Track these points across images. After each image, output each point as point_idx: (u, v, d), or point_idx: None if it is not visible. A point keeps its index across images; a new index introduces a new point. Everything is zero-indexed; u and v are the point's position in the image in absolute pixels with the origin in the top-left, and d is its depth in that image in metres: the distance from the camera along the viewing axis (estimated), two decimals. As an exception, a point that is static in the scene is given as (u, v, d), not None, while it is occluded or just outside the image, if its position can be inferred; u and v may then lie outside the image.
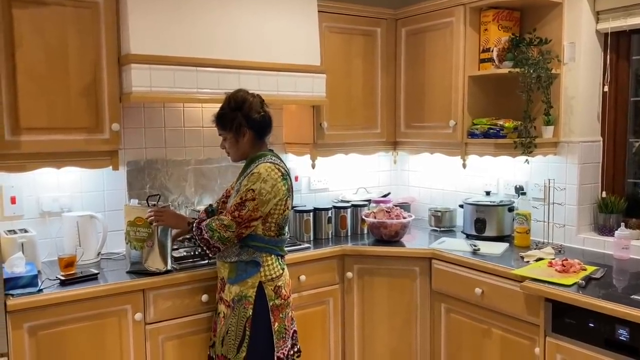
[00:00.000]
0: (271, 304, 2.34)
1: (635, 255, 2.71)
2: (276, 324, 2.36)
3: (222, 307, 2.42)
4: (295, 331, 2.51)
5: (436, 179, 3.74)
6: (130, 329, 2.46)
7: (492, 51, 3.03)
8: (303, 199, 3.61)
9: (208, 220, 2.35)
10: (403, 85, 3.48)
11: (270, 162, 2.34)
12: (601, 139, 3.03)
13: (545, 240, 3.00)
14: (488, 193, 3.28)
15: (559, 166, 3.04)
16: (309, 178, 3.64)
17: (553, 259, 2.67)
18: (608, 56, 2.91)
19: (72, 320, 2.33)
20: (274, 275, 2.36)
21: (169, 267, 2.56)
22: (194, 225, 2.37)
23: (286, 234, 2.47)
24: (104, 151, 2.64)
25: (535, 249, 2.90)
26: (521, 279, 2.46)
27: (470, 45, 3.09)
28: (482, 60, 3.10)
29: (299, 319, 2.68)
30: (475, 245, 2.93)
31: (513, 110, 3.11)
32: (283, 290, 2.39)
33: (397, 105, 3.52)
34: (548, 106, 2.91)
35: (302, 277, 2.91)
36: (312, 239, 3.24)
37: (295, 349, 2.49)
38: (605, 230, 2.93)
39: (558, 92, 2.98)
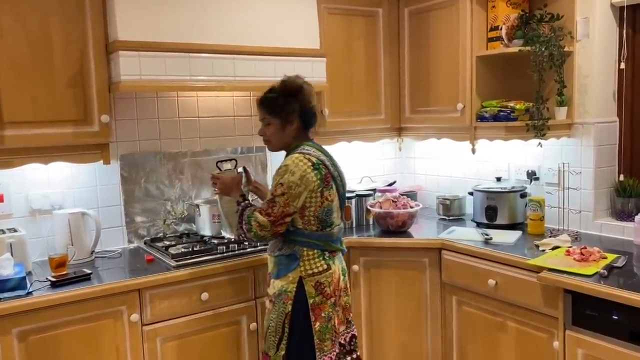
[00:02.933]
0: (311, 301, 2.20)
1: (657, 241, 2.57)
2: (317, 323, 2.20)
3: (267, 303, 2.33)
4: (353, 336, 2.36)
5: (443, 166, 3.59)
6: (126, 331, 2.34)
7: (501, 29, 2.87)
8: (305, 189, 3.47)
9: (250, 210, 2.22)
10: (407, 68, 3.32)
11: (300, 153, 2.21)
12: (617, 119, 2.87)
13: (560, 227, 2.86)
14: (499, 179, 3.13)
15: (573, 149, 2.89)
16: (311, 168, 3.49)
17: (570, 247, 2.53)
18: (624, 31, 2.74)
19: (64, 324, 2.21)
20: (315, 271, 2.21)
21: (232, 236, 2.51)
22: (239, 208, 2.26)
23: (334, 227, 2.28)
24: (94, 144, 2.50)
25: (550, 236, 2.76)
26: (538, 270, 2.32)
27: (477, 23, 2.93)
28: (490, 39, 2.94)
29: None
30: (486, 234, 2.79)
31: (523, 92, 2.96)
32: (327, 288, 2.22)
33: (401, 89, 3.37)
34: (561, 86, 2.76)
35: (306, 272, 2.78)
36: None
37: (354, 356, 2.34)
38: (624, 215, 2.79)
39: (571, 71, 2.82)
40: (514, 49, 2.79)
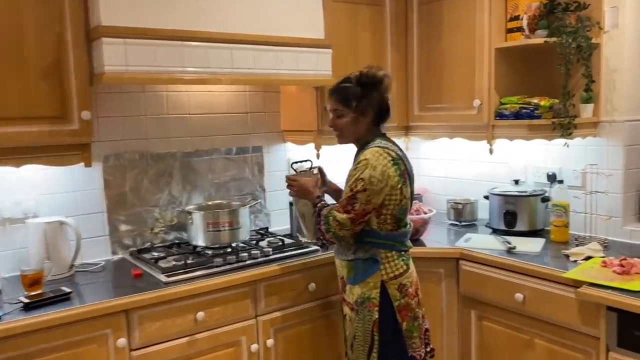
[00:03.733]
0: (397, 304, 2.10)
1: (696, 250, 2.36)
2: (404, 323, 2.11)
3: (346, 310, 2.23)
4: (427, 329, 2.24)
5: (452, 167, 3.35)
6: (112, 358, 2.04)
7: (522, 19, 2.63)
8: (305, 193, 3.20)
9: (328, 209, 2.13)
10: (416, 62, 3.07)
11: (378, 147, 2.08)
12: (646, 117, 2.66)
13: (586, 235, 2.63)
14: (517, 182, 2.90)
15: (598, 149, 2.67)
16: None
17: (603, 257, 2.31)
18: (656, 22, 2.54)
19: (40, 352, 1.90)
20: (396, 273, 2.10)
21: (310, 240, 2.44)
22: (316, 209, 2.17)
23: (407, 225, 2.18)
24: (74, 145, 2.20)
25: (576, 244, 2.54)
26: (574, 283, 2.09)
27: (495, 13, 2.70)
28: (510, 30, 2.71)
29: (306, 332, 2.42)
30: (509, 243, 2.56)
31: (543, 87, 2.75)
32: (410, 289, 2.13)
33: (409, 85, 3.12)
34: (589, 81, 2.54)
35: (312, 286, 2.51)
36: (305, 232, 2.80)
37: (428, 349, 2.24)
38: (654, 220, 2.58)
39: (598, 65, 2.60)
40: (538, 40, 2.56)
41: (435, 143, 3.32)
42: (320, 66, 2.62)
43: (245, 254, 2.45)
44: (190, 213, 2.55)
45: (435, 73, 2.97)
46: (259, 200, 2.79)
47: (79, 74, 2.15)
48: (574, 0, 2.58)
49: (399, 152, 2.12)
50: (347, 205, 2.05)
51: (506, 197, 2.80)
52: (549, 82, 2.75)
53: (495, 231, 2.86)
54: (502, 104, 2.73)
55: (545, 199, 2.79)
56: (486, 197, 2.94)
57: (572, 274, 2.13)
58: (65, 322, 1.93)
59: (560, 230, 2.63)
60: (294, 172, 2.42)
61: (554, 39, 2.49)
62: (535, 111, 2.58)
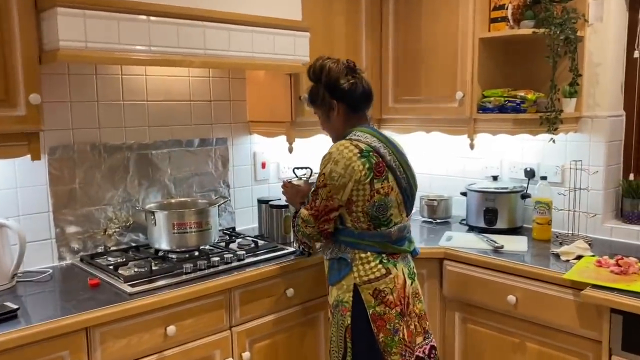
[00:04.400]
0: (371, 311, 1.92)
1: (680, 247, 2.35)
2: (380, 335, 1.91)
3: (329, 313, 2.08)
4: (433, 347, 2.04)
5: (422, 162, 3.22)
6: (69, 384, 1.74)
7: (507, 8, 2.53)
8: (272, 190, 2.98)
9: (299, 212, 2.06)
10: (391, 50, 2.91)
11: (346, 139, 1.95)
12: (624, 112, 2.64)
13: (568, 232, 2.58)
14: (495, 178, 2.81)
15: (579, 145, 2.62)
16: (277, 165, 3.00)
17: (593, 255, 2.25)
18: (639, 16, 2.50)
19: (-18, 383, 1.58)
20: (371, 277, 1.93)
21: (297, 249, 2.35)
22: (293, 214, 2.10)
23: (392, 226, 1.96)
24: (19, 134, 1.86)
25: (559, 242, 2.48)
26: (576, 285, 2.01)
27: (479, 1, 2.57)
28: (493, 20, 2.59)
29: (284, 341, 2.24)
30: (495, 242, 2.45)
31: (523, 80, 2.69)
32: (389, 296, 1.92)
33: (384, 75, 2.95)
34: (576, 74, 2.47)
35: (290, 291, 2.30)
36: (291, 240, 2.61)
37: None
38: (633, 217, 2.56)
39: (582, 59, 2.54)
40: (526, 31, 2.47)
41: (406, 137, 3.17)
42: (298, 50, 2.40)
43: (217, 259, 2.20)
44: (152, 213, 2.26)
45: (413, 63, 2.82)
46: (228, 199, 2.54)
47: (25, 50, 1.82)
48: (560, -9, 2.51)
49: (373, 144, 1.93)
50: (311, 202, 1.98)
51: (486, 194, 2.70)
52: (528, 74, 2.68)
53: (473, 229, 2.76)
54: (484, 96, 2.62)
55: (525, 196, 2.71)
56: (463, 194, 2.83)
57: (571, 275, 2.04)
58: (13, 346, 1.61)
59: (543, 227, 2.56)
60: (295, 177, 2.38)
61: (542, 30, 2.40)
62: (522, 105, 2.48)
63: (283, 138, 2.73)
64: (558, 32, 2.39)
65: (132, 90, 2.44)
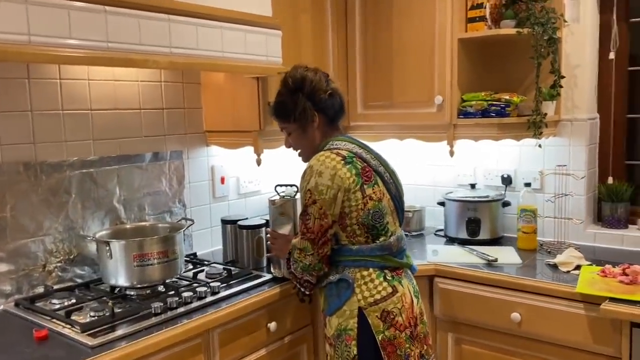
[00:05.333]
0: (380, 337, 1.72)
1: (668, 251, 2.31)
2: None
3: (327, 348, 1.85)
4: None
5: (388, 171, 3.03)
6: None
7: (485, 8, 2.40)
8: (232, 207, 2.66)
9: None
10: (358, 52, 2.69)
11: (324, 150, 1.81)
12: (598, 115, 2.59)
13: (554, 240, 2.48)
14: (473, 186, 2.67)
15: (557, 149, 2.54)
16: (237, 179, 2.69)
17: (589, 264, 2.15)
18: (614, 17, 2.45)
19: None
20: (377, 297, 1.73)
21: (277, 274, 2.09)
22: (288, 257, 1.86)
23: (390, 235, 1.81)
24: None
25: (546, 251, 2.38)
26: (587, 299, 1.88)
27: (456, 0, 2.42)
28: (471, 20, 2.45)
29: None
30: (486, 255, 2.30)
31: (498, 82, 2.57)
32: (398, 318, 1.74)
33: (351, 79, 2.72)
34: (558, 76, 2.37)
35: (273, 325, 2.01)
36: (265, 264, 2.31)
37: None
38: (613, 221, 2.51)
39: (559, 60, 2.46)
40: (509, 30, 2.34)
41: (374, 145, 2.97)
42: (270, 51, 2.13)
43: (190, 294, 1.87)
44: (107, 243, 1.88)
45: (383, 66, 2.62)
46: (192, 221, 2.19)
47: (-56, 46, 1.41)
48: (538, -10, 2.41)
49: (354, 150, 1.81)
50: (302, 226, 1.77)
51: (467, 203, 2.55)
52: (504, 77, 2.58)
53: (453, 240, 2.60)
54: (463, 100, 2.47)
55: (506, 204, 2.60)
56: (441, 204, 2.67)
57: (583, 288, 1.91)
58: None
59: (530, 236, 2.44)
60: (277, 196, 2.12)
61: (526, 30, 2.29)
62: (507, 108, 2.36)
63: (247, 149, 2.44)
64: (541, 32, 2.29)
65: (72, 97, 2.05)
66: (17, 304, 1.86)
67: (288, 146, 1.97)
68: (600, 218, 2.59)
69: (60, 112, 2.02)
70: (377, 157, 1.87)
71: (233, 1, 1.99)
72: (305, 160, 1.93)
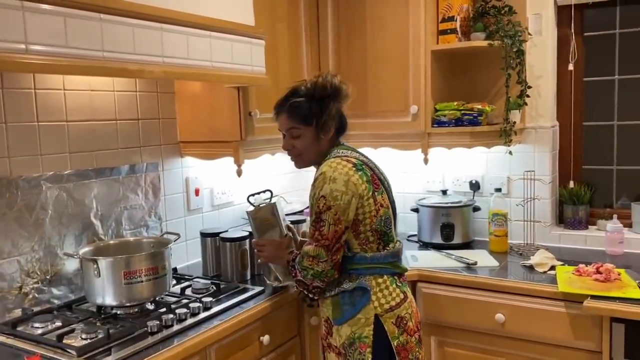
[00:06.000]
0: (395, 343, 1.73)
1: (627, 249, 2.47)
2: None
3: (331, 357, 1.83)
4: None
5: (357, 179, 3.06)
6: None
7: (456, 20, 2.49)
8: (206, 220, 2.60)
9: (297, 253, 1.82)
10: (332, 62, 2.72)
11: (334, 157, 1.79)
12: (558, 123, 2.74)
13: (524, 242, 2.60)
14: (445, 192, 2.75)
15: (522, 156, 2.66)
16: (211, 190, 2.63)
17: (563, 264, 2.27)
18: (572, 31, 2.61)
19: None
20: (392, 303, 1.75)
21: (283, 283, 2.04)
22: (290, 265, 1.82)
23: (395, 240, 1.84)
24: None
25: (517, 253, 2.49)
26: (569, 297, 1.99)
27: (430, 13, 2.50)
28: (442, 32, 2.54)
29: None
30: (464, 258, 2.38)
31: (464, 92, 2.67)
32: (409, 323, 1.77)
33: (324, 88, 2.73)
34: (525, 86, 2.49)
35: (266, 338, 1.98)
36: (249, 277, 2.28)
37: None
38: (575, 223, 2.66)
39: (524, 71, 2.59)
40: (480, 43, 2.44)
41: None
42: (255, 60, 2.11)
43: (184, 310, 1.81)
44: (95, 261, 1.79)
45: (358, 76, 2.66)
46: (177, 235, 2.12)
47: None
48: (504, 5, 2.53)
49: (361, 158, 1.84)
50: (315, 233, 1.73)
51: (441, 209, 2.62)
52: (471, 87, 2.69)
53: (427, 245, 2.67)
54: (436, 110, 2.54)
55: (476, 209, 2.69)
56: (415, 210, 2.73)
57: (564, 287, 2.01)
58: None
59: (501, 240, 2.55)
60: (252, 207, 2.01)
61: (497, 42, 2.40)
62: (479, 117, 2.45)
63: (222, 160, 2.41)
64: (510, 44, 2.40)
65: (48, 108, 1.94)
66: (-5, 330, 1.74)
67: (287, 148, 1.89)
68: (561, 220, 2.74)
69: (35, 124, 1.90)
70: (377, 166, 1.89)
71: (219, 10, 1.96)
72: (303, 165, 1.92)
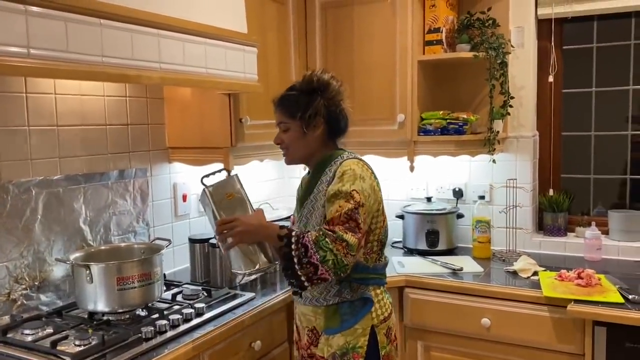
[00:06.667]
0: (383, 352, 1.74)
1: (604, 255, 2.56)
2: None
3: None
4: None
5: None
6: None
7: (442, 32, 2.55)
8: (193, 226, 2.60)
9: (314, 233, 1.56)
10: (319, 70, 2.74)
11: (354, 158, 1.74)
12: (537, 132, 2.82)
13: (506, 249, 2.66)
14: (429, 199, 2.80)
15: (504, 164, 2.73)
16: (198, 196, 2.61)
17: (545, 270, 2.34)
18: (552, 44, 2.70)
19: None
20: (385, 315, 1.77)
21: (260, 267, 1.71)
22: (293, 238, 1.55)
23: (384, 251, 1.83)
24: None
25: (499, 259, 2.55)
26: (553, 302, 2.05)
27: (416, 24, 2.55)
28: (428, 43, 2.59)
29: None
30: (450, 264, 2.43)
31: (448, 102, 2.72)
32: (393, 332, 1.80)
33: (311, 96, 2.77)
34: (508, 97, 2.57)
35: (258, 344, 1.99)
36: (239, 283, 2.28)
37: None
38: (554, 230, 2.74)
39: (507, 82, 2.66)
40: (465, 54, 2.51)
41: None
42: (247, 67, 2.13)
43: (178, 316, 1.81)
44: (88, 267, 1.77)
45: (345, 83, 2.68)
46: (169, 241, 2.11)
47: None
48: (488, 17, 2.61)
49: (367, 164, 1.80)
50: (351, 223, 1.54)
51: (426, 216, 2.67)
52: (454, 96, 2.75)
53: (412, 252, 2.71)
54: (422, 119, 2.60)
55: (460, 216, 2.75)
56: (400, 216, 2.78)
57: (548, 292, 2.08)
58: None
59: (484, 246, 2.61)
60: (206, 188, 1.75)
61: (482, 54, 2.46)
62: (464, 126, 2.52)
63: (211, 167, 2.40)
64: (494, 56, 2.47)
65: (39, 112, 1.92)
66: (-16, 338, 1.70)
67: (277, 142, 1.82)
68: (541, 227, 2.81)
69: (26, 128, 1.88)
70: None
71: (214, 18, 1.97)
72: (290, 161, 1.84)
